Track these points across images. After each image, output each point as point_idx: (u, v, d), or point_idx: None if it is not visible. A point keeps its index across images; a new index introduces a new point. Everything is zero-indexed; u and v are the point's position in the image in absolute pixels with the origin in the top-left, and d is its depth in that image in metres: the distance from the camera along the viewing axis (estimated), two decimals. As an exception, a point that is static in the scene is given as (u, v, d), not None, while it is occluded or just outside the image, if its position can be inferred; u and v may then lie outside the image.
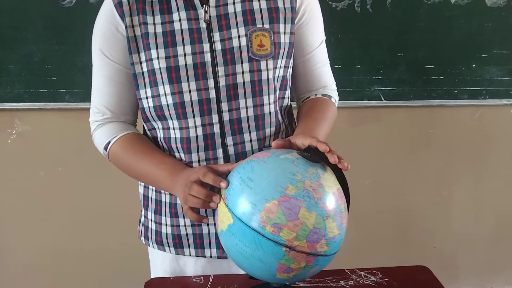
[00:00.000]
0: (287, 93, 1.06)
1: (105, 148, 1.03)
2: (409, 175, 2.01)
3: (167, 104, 0.96)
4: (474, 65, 1.87)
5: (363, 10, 1.80)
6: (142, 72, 0.97)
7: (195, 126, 0.97)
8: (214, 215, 1.14)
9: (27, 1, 1.70)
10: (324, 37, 1.08)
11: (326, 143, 0.82)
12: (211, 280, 1.01)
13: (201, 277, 1.03)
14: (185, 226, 1.04)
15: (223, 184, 0.82)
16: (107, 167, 1.88)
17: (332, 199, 0.78)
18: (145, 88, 0.98)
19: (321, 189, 0.77)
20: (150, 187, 1.09)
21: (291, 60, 1.02)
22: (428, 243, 2.07)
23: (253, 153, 0.97)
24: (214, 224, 0.92)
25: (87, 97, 1.79)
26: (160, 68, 0.94)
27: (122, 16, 0.94)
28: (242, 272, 0.98)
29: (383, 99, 1.89)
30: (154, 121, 1.01)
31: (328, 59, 1.10)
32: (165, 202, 1.05)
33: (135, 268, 1.96)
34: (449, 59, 1.86)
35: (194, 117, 0.96)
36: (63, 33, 1.73)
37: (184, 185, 0.88)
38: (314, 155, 0.83)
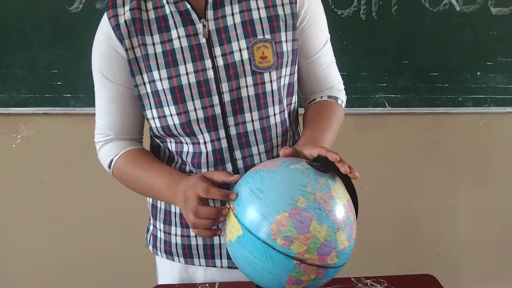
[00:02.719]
0: (294, 99, 1.04)
1: (109, 166, 1.03)
2: (413, 182, 2.01)
3: (174, 124, 0.95)
4: (478, 73, 1.87)
5: (368, 17, 1.80)
6: (147, 93, 0.95)
7: (205, 142, 0.96)
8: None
9: (34, 7, 1.70)
10: (328, 36, 1.05)
11: (336, 153, 0.81)
12: (216, 287, 1.01)
13: (207, 285, 1.02)
14: (195, 236, 1.03)
15: (233, 196, 0.81)
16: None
17: (342, 210, 0.78)
18: (151, 109, 0.96)
19: (331, 200, 0.77)
20: None
21: (296, 66, 1.00)
22: (433, 250, 2.07)
23: None
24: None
25: (92, 103, 1.77)
26: (164, 89, 0.93)
27: (121, 39, 0.93)
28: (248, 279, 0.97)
29: (387, 106, 1.89)
30: (165, 136, 1.00)
31: (334, 58, 1.07)
32: (175, 212, 1.04)
33: (140, 273, 1.96)
34: (454, 66, 1.86)
35: (202, 133, 0.95)
36: (69, 38, 1.74)
37: (184, 201, 0.87)
38: (323, 165, 0.82)
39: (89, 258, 1.96)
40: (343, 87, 1.11)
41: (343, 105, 1.09)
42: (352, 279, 1.04)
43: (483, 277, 2.14)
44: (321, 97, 1.06)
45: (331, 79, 1.07)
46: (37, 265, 1.96)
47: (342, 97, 1.09)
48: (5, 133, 1.84)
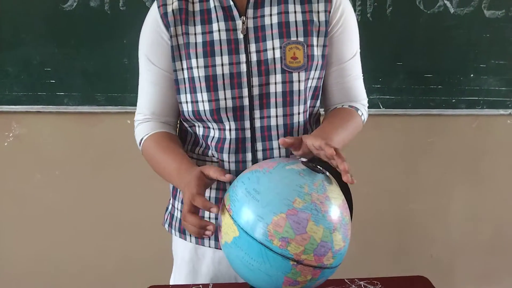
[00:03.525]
0: (317, 103, 1.10)
1: (139, 143, 1.10)
2: (407, 183, 2.02)
3: (204, 110, 1.02)
4: (472, 75, 1.88)
5: (363, 18, 1.80)
6: (184, 79, 1.03)
7: (230, 130, 1.02)
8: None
9: (27, 4, 1.69)
10: (357, 50, 1.09)
11: (336, 148, 0.82)
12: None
13: (200, 285, 1.03)
14: (209, 218, 1.07)
15: (213, 210, 0.82)
16: (104, 171, 1.89)
17: (338, 211, 0.79)
18: (185, 93, 1.03)
19: (327, 201, 0.77)
20: None
21: (324, 71, 1.06)
22: (426, 251, 2.08)
23: None
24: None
25: (85, 101, 1.81)
26: (199, 76, 1.00)
27: (167, 26, 1.00)
28: (241, 280, 0.97)
29: (381, 107, 1.90)
30: (194, 121, 1.07)
31: (362, 74, 1.12)
32: None
33: (135, 273, 1.95)
34: (448, 68, 1.87)
35: (228, 121, 1.02)
36: (63, 36, 1.72)
37: (184, 188, 0.90)
38: (319, 165, 0.83)
39: (82, 258, 1.95)
40: (367, 104, 1.15)
41: (363, 118, 1.12)
42: (346, 280, 1.04)
43: (476, 278, 2.15)
44: (342, 105, 1.10)
45: (356, 93, 1.11)
46: (29, 265, 1.94)
47: (364, 111, 1.12)
48: (-3, 131, 1.83)
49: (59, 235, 1.92)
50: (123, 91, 1.78)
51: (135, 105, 1.77)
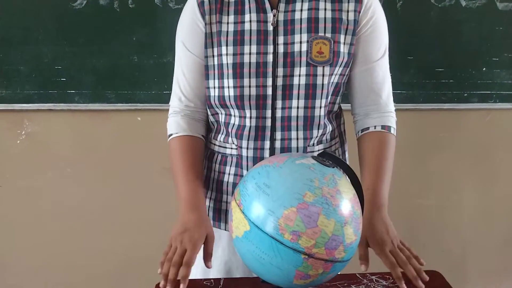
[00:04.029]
0: (338, 99, 1.13)
1: (168, 137, 1.15)
2: (418, 178, 2.00)
3: (229, 95, 1.07)
4: (484, 69, 1.86)
5: (373, 12, 1.79)
6: (213, 65, 1.08)
7: (250, 117, 1.07)
8: (226, 220, 1.17)
9: (37, 3, 1.70)
10: (386, 53, 1.12)
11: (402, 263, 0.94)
12: (221, 283, 1.01)
13: (212, 280, 1.03)
14: (226, 202, 1.15)
15: (182, 286, 0.89)
16: (115, 168, 1.90)
17: (349, 205, 0.78)
18: (213, 79, 1.09)
19: (338, 195, 0.77)
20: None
21: (348, 69, 1.08)
22: (437, 246, 2.06)
23: (297, 150, 1.06)
24: None
25: (96, 99, 1.82)
26: (227, 63, 1.05)
27: (203, 14, 1.06)
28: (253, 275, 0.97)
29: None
30: (218, 108, 1.12)
31: (390, 77, 1.13)
32: (213, 178, 1.17)
33: (144, 271, 1.96)
34: (460, 62, 1.85)
35: (250, 109, 1.06)
36: (73, 34, 1.73)
37: (182, 230, 0.98)
38: (329, 159, 0.83)
39: (93, 255, 1.96)
40: (394, 109, 1.17)
41: (395, 134, 1.15)
42: (357, 275, 1.04)
43: (488, 273, 2.13)
44: (375, 127, 1.12)
45: (383, 95, 1.12)
46: (41, 262, 1.96)
47: (394, 124, 1.15)
48: (10, 129, 1.84)
49: (70, 232, 1.93)
50: (133, 88, 1.79)
51: (145, 102, 1.81)
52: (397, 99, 1.88)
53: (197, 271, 1.21)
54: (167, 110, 1.80)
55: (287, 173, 0.78)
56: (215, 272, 1.16)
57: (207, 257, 0.97)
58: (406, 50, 1.84)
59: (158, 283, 1.02)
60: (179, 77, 1.14)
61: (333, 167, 0.83)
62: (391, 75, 1.83)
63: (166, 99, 1.81)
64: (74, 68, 1.76)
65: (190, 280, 1.12)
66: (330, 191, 0.77)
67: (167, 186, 1.87)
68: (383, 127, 1.12)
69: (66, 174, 1.89)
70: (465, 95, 1.89)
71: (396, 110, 1.88)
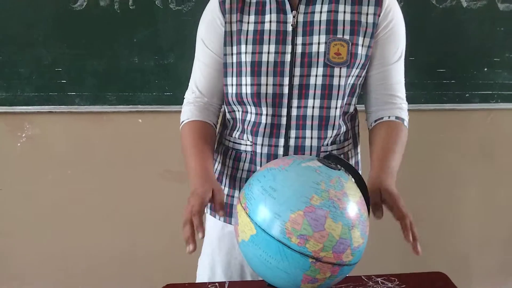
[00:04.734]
0: (354, 100, 1.13)
1: (180, 124, 1.16)
2: (420, 178, 2.00)
3: (246, 93, 1.08)
4: (485, 69, 1.86)
5: (374, 13, 1.78)
6: (232, 63, 1.09)
7: (266, 115, 1.08)
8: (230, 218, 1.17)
9: (38, 4, 1.69)
10: (403, 55, 1.13)
11: (410, 224, 0.92)
12: (226, 286, 1.00)
13: (216, 284, 1.02)
14: (238, 198, 1.11)
15: (200, 235, 0.86)
16: (116, 171, 1.90)
17: (355, 208, 0.78)
18: (232, 76, 1.10)
19: (345, 198, 0.77)
20: (215, 158, 1.21)
21: (365, 71, 1.09)
22: (441, 246, 2.06)
23: (311, 150, 1.07)
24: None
25: (96, 101, 1.81)
26: (246, 61, 1.06)
27: (224, 13, 1.08)
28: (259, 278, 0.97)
29: (394, 103, 1.88)
30: (235, 105, 1.13)
31: (404, 79, 1.15)
32: (225, 173, 1.18)
33: (148, 271, 1.96)
34: (461, 63, 1.85)
35: (267, 106, 1.08)
36: (73, 36, 1.72)
37: (190, 195, 0.95)
38: (335, 162, 0.82)
39: (94, 257, 1.95)
40: (407, 107, 1.17)
41: (407, 126, 1.16)
42: (363, 277, 1.03)
43: (493, 273, 2.13)
44: (389, 116, 1.13)
45: (397, 97, 1.14)
46: (40, 264, 1.95)
47: (406, 118, 1.16)
48: (10, 131, 1.83)
49: (71, 234, 1.93)
50: (133, 90, 1.78)
51: (146, 104, 1.81)
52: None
53: (204, 272, 1.23)
54: (168, 112, 1.80)
55: (294, 176, 0.78)
56: (232, 270, 1.19)
57: (216, 207, 0.96)
58: (407, 51, 1.79)
59: (163, 287, 1.02)
60: (196, 72, 1.16)
61: (339, 170, 0.82)
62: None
63: (167, 101, 1.83)
64: (75, 70, 1.75)
65: (196, 283, 1.12)
66: (337, 194, 0.76)
67: (168, 188, 1.88)
68: (397, 117, 1.13)
69: (66, 177, 1.89)
70: (466, 95, 1.88)
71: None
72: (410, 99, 1.87)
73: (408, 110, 1.87)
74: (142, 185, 1.90)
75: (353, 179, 0.84)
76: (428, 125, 1.95)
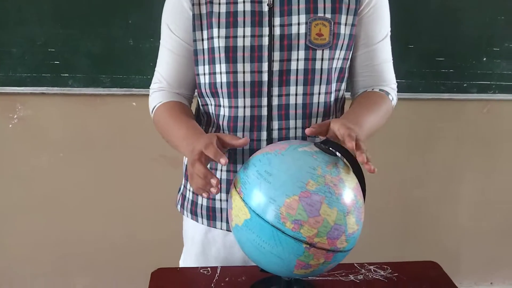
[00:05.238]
0: (343, 86, 1.05)
1: (151, 112, 1.07)
2: (416, 168, 2.00)
3: (221, 82, 0.99)
4: (484, 59, 1.85)
5: (374, 0, 1.76)
6: (203, 49, 1.00)
7: (244, 107, 0.99)
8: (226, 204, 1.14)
9: (31, -17, 1.66)
10: (388, 34, 1.05)
11: (358, 140, 0.79)
12: (218, 271, 1.00)
13: (208, 268, 1.02)
14: (220, 200, 1.06)
15: (222, 161, 0.79)
16: (109, 154, 1.88)
17: (351, 194, 0.77)
18: (204, 65, 1.01)
19: (341, 184, 0.76)
20: None
21: (351, 52, 1.02)
22: (434, 236, 2.07)
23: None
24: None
25: (90, 83, 1.79)
26: (219, 47, 0.97)
27: None
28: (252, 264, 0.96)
29: (391, 91, 1.87)
30: (208, 97, 1.04)
31: (391, 58, 1.07)
32: None
33: (141, 256, 1.95)
34: (460, 52, 1.84)
35: (244, 97, 0.98)
36: (67, 16, 1.69)
37: (190, 151, 0.87)
38: (332, 148, 0.81)
39: (86, 239, 1.95)
40: (396, 88, 1.10)
41: (393, 102, 1.08)
42: (355, 264, 1.04)
43: (483, 263, 2.15)
44: (372, 89, 1.07)
45: (385, 77, 1.06)
46: (34, 248, 1.94)
47: (394, 95, 1.08)
48: (2, 112, 1.81)
49: (65, 217, 1.92)
50: (128, 72, 1.76)
51: (140, 87, 1.78)
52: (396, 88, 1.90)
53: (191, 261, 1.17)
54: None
55: (290, 161, 0.76)
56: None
57: (232, 142, 0.86)
58: (406, 39, 1.82)
59: (154, 271, 1.01)
60: (161, 61, 1.06)
61: (336, 155, 0.81)
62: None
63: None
64: (68, 51, 1.72)
65: (187, 268, 1.11)
66: (333, 180, 0.75)
67: (161, 172, 1.87)
68: (381, 89, 1.06)
69: (58, 159, 1.87)
70: (464, 85, 1.88)
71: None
72: (407, 88, 1.88)
73: (405, 98, 1.89)
74: (135, 169, 1.89)
75: (350, 165, 0.83)
76: (425, 114, 1.95)
